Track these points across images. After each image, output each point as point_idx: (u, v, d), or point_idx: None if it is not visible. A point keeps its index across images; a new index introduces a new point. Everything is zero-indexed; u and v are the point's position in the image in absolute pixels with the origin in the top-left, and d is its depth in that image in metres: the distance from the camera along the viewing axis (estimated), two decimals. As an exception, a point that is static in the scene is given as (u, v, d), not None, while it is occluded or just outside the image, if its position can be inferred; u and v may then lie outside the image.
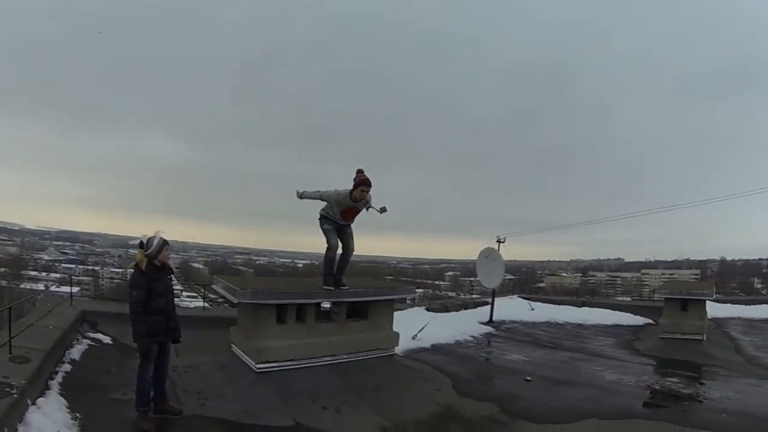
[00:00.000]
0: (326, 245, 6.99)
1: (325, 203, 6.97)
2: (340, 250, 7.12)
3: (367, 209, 7.01)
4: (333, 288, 7.04)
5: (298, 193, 6.95)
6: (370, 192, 6.78)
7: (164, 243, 5.23)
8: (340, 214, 6.90)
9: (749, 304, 15.73)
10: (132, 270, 5.38)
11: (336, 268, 7.14)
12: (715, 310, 13.21)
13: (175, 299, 5.65)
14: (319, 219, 7.09)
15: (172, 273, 5.52)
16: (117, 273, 57.72)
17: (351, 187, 6.72)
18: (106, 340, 8.12)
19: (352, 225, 7.18)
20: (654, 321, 12.18)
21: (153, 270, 5.17)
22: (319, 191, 6.90)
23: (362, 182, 6.69)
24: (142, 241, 5.22)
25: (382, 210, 6.97)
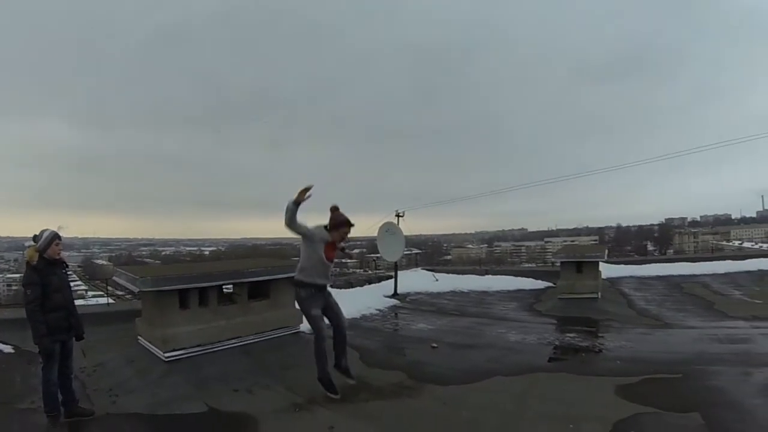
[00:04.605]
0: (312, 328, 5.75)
1: (301, 258, 5.64)
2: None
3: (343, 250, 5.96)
4: (335, 394, 5.56)
5: (287, 218, 5.17)
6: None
7: (54, 236, 5.01)
8: (324, 252, 5.54)
9: (641, 264, 17.29)
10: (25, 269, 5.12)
11: (335, 349, 5.95)
12: (609, 271, 14.39)
13: (81, 300, 5.44)
14: (296, 287, 5.71)
15: (67, 267, 5.30)
16: (14, 279, 53.12)
17: (323, 224, 5.57)
18: (7, 349, 7.62)
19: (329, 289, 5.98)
20: (554, 284, 12.89)
21: (45, 265, 4.92)
22: (307, 226, 5.44)
23: (343, 223, 5.54)
24: (35, 236, 4.98)
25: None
